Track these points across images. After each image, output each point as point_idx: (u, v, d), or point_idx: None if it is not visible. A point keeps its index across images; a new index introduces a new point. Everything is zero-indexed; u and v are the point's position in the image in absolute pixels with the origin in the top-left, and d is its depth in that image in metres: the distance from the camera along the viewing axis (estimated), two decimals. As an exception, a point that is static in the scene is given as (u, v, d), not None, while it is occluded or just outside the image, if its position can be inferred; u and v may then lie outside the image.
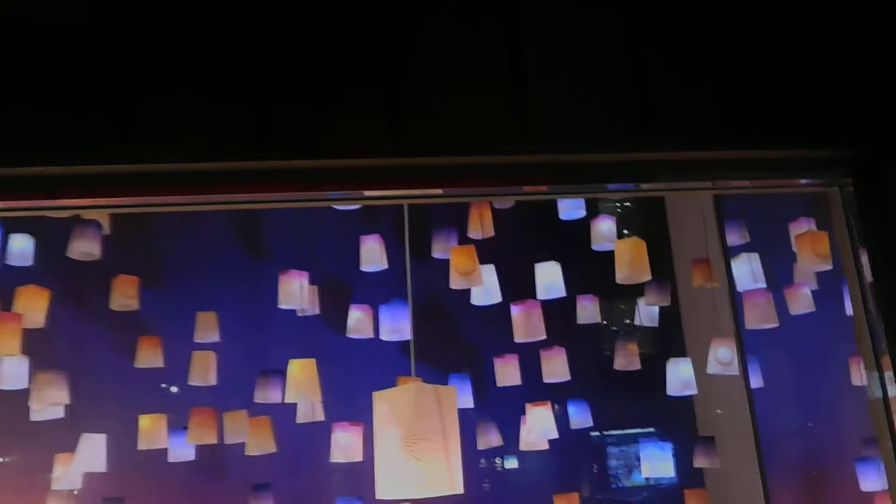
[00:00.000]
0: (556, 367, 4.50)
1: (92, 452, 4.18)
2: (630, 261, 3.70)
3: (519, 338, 3.99)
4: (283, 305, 4.30)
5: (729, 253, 4.34)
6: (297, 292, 4.14)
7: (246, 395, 4.68)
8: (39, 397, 3.57)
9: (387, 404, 2.06)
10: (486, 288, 4.10)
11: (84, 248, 4.16)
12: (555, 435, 4.24)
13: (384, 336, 4.19)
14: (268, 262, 5.38)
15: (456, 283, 3.84)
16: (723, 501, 5.26)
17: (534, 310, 4.02)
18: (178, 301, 5.27)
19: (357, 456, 3.86)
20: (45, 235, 4.45)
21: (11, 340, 3.57)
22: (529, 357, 4.75)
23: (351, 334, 4.62)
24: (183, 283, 5.39)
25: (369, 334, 4.59)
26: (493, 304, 4.25)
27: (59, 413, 4.00)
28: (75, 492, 4.36)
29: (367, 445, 3.66)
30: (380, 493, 2.06)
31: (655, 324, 5.19)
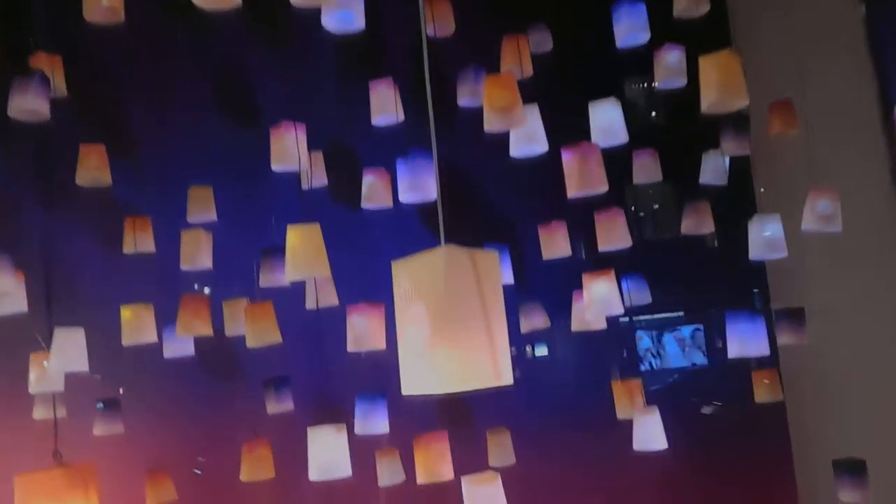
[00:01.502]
0: (614, 233, 3.69)
1: (70, 349, 3.56)
2: (720, 81, 2.78)
3: (573, 191, 3.14)
4: (277, 167, 3.49)
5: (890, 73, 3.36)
6: (292, 149, 3.31)
7: (249, 279, 4.09)
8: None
9: (410, 277, 1.45)
10: (528, 132, 3.23)
11: (27, 104, 3.35)
12: (620, 310, 3.52)
13: (403, 197, 3.41)
14: (258, 131, 4.54)
15: (491, 123, 2.97)
16: (800, 383, 4.66)
17: (591, 154, 3.15)
18: (159, 177, 4.53)
19: (378, 343, 3.18)
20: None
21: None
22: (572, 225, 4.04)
23: (366, 204, 3.89)
24: (161, 155, 4.62)
25: (386, 203, 3.86)
26: (538, 154, 3.38)
27: (20, 306, 3.34)
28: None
29: (391, 331, 3.01)
30: (406, 388, 1.52)
31: (724, 182, 4.35)
